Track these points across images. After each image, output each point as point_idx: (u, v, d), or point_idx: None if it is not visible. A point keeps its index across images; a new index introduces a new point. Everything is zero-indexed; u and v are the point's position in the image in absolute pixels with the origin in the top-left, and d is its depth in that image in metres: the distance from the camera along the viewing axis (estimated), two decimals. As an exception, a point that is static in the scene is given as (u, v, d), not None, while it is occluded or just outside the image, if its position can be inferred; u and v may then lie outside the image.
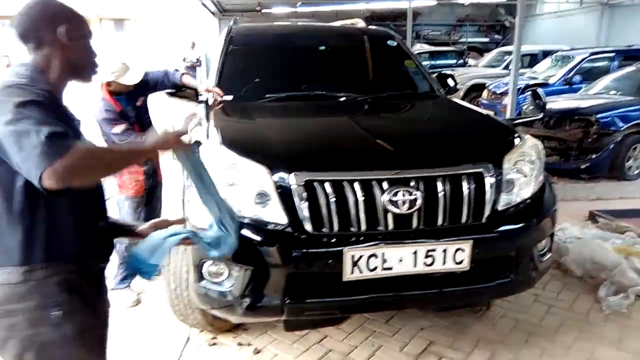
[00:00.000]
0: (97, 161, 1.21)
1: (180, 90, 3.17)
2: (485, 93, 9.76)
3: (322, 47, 3.48)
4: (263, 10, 17.83)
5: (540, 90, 4.50)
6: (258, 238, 2.02)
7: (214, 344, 2.69)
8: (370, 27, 4.07)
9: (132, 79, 2.91)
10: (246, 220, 2.05)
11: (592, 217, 4.51)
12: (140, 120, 3.13)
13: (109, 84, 2.94)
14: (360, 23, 4.18)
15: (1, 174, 1.22)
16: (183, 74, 3.15)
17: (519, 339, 2.73)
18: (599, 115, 5.92)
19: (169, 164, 3.28)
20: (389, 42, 3.65)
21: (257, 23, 4.05)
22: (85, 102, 3.00)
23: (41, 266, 1.24)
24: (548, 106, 6.11)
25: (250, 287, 2.03)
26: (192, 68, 12.98)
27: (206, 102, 3.05)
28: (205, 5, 16.55)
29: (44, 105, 1.18)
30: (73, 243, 1.30)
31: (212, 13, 18.31)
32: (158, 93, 3.24)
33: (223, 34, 3.63)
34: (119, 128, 2.91)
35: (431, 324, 2.85)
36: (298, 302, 2.01)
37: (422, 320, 2.88)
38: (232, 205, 1.85)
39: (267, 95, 3.03)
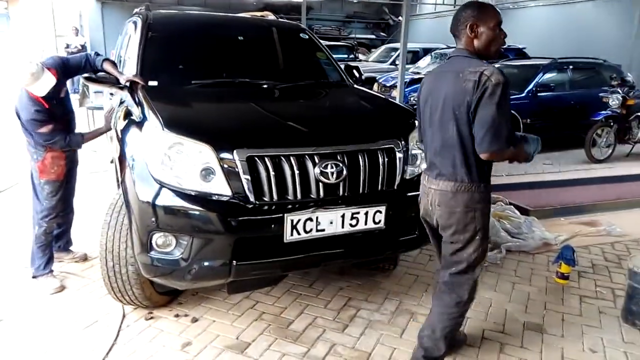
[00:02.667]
0: (513, 157, 2.12)
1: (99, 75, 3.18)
2: (375, 86, 10.53)
3: (241, 37, 3.69)
4: (151, -4, 17.12)
5: None
6: (205, 209, 2.24)
7: (151, 317, 2.82)
8: (282, 20, 4.36)
9: (41, 89, 2.86)
10: (193, 194, 2.26)
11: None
12: (65, 113, 3.13)
13: None
14: (270, 16, 4.44)
15: (466, 132, 2.01)
16: (104, 59, 3.16)
17: (420, 289, 3.25)
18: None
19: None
20: (301, 35, 3.98)
21: (170, 11, 4.10)
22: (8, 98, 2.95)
23: (487, 184, 2.14)
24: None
25: (199, 253, 2.25)
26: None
27: (130, 87, 3.11)
28: (87, -12, 15.45)
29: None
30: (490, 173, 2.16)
31: (94, -3, 17.12)
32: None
33: (137, 20, 3.66)
34: (46, 129, 2.92)
35: (349, 284, 3.26)
36: (245, 263, 2.27)
37: (340, 281, 3.29)
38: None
39: (193, 82, 3.19)
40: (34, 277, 3.16)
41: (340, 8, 21.33)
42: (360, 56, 15.34)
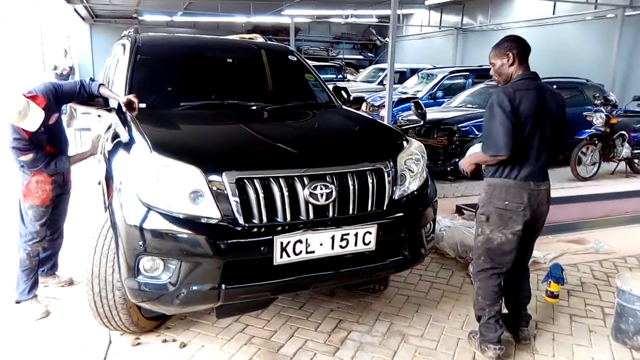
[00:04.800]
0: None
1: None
2: (364, 105, 10.63)
3: (230, 60, 3.72)
4: (140, 18, 17.25)
5: (420, 102, 5.32)
6: (194, 232, 2.21)
7: (138, 344, 2.76)
8: (270, 42, 4.40)
9: (31, 125, 2.80)
10: (181, 217, 2.24)
11: (459, 210, 5.31)
12: (52, 140, 3.07)
13: None
14: (259, 38, 4.48)
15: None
16: (100, 84, 3.14)
17: (411, 310, 3.23)
18: (459, 125, 6.93)
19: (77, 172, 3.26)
20: (290, 57, 4.03)
21: (159, 34, 4.12)
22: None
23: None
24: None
25: (188, 277, 2.22)
26: (65, 77, 12.08)
27: (117, 109, 3.10)
28: (76, 11, 15.51)
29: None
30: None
31: (83, 18, 17.23)
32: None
33: (126, 43, 3.68)
34: (26, 157, 2.89)
35: (339, 306, 3.24)
36: (234, 287, 2.25)
37: (330, 303, 3.26)
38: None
39: (182, 104, 3.19)
40: (17, 302, 3.08)
41: (328, 29, 21.67)
42: (349, 76, 15.53)
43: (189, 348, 2.74)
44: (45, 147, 3.00)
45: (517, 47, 2.55)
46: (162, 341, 2.79)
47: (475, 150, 2.89)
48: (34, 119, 2.80)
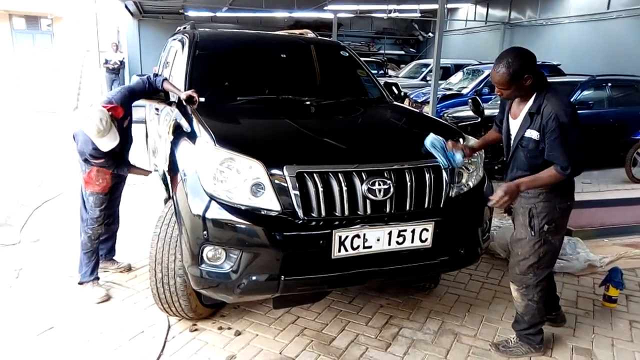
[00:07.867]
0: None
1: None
2: (406, 102, 10.48)
3: (284, 55, 3.77)
4: (185, 14, 17.63)
5: (478, 98, 5.29)
6: (255, 224, 2.27)
7: (195, 329, 2.86)
8: (322, 38, 4.43)
9: (104, 146, 2.92)
10: (243, 208, 2.30)
11: (508, 210, 5.20)
12: (121, 140, 3.13)
13: None
14: (310, 34, 4.51)
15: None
16: (164, 79, 3.24)
17: (462, 309, 3.20)
18: (508, 123, 6.76)
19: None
20: (342, 52, 4.04)
21: (215, 30, 4.21)
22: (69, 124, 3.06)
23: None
24: (465, 114, 6.92)
25: (249, 267, 2.28)
26: (115, 71, 12.50)
27: (177, 102, 3.20)
28: (126, 7, 16.01)
29: None
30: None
31: (132, 14, 17.74)
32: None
33: (184, 38, 3.78)
34: (98, 162, 3.05)
35: (388, 302, 3.24)
36: (293, 278, 2.29)
37: (380, 299, 3.27)
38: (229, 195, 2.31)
39: (239, 98, 3.26)
40: (80, 283, 3.24)
41: (369, 24, 21.50)
42: (390, 72, 15.37)
43: (244, 336, 2.81)
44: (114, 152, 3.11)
45: (533, 63, 2.34)
46: (218, 328, 2.87)
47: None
48: (109, 142, 2.92)
